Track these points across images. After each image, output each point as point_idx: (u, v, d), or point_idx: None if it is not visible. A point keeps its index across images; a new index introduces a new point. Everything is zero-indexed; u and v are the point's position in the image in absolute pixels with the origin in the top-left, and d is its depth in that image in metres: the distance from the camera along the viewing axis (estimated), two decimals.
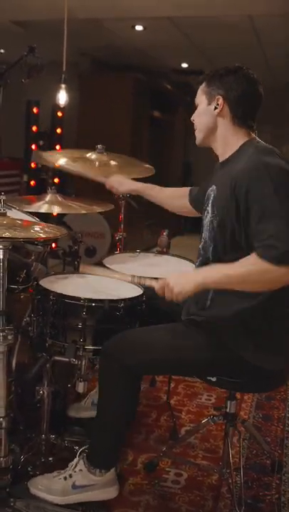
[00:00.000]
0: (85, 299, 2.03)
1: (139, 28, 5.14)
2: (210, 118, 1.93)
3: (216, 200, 1.91)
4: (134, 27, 5.12)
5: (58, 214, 3.34)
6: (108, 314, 2.07)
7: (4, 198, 1.74)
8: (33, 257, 2.20)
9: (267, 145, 1.90)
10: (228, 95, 1.89)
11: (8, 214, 1.89)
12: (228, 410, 2.14)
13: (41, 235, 1.91)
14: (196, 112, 2.00)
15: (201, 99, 1.96)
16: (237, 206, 1.77)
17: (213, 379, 2.00)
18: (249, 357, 1.85)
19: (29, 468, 2.15)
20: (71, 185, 5.50)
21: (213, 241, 1.91)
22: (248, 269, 1.72)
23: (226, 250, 1.86)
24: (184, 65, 6.87)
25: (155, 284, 1.89)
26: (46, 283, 2.20)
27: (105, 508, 2.03)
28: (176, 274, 1.87)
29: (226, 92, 1.89)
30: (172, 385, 2.98)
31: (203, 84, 1.95)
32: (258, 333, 1.86)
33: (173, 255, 2.73)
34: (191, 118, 2.02)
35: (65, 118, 5.89)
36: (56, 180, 5.34)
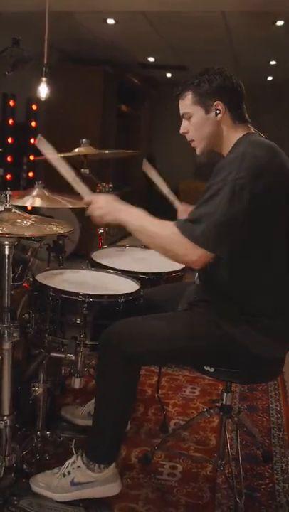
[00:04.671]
0: (84, 295, 2.02)
1: (110, 21, 5.11)
2: (213, 126, 1.90)
3: None
4: (105, 20, 5.09)
5: (34, 208, 3.30)
6: (107, 310, 2.07)
7: (10, 193, 1.71)
8: (29, 253, 2.17)
9: (263, 140, 1.88)
10: (223, 98, 1.88)
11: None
12: (224, 402, 2.18)
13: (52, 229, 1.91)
14: (191, 125, 1.93)
15: (194, 110, 1.91)
16: None
17: (211, 370, 1.99)
18: (248, 344, 1.85)
19: (25, 466, 2.14)
20: (42, 179, 5.41)
21: None
22: (163, 233, 1.80)
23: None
24: (151, 59, 6.87)
25: (86, 194, 1.95)
26: (42, 279, 2.18)
27: (106, 503, 2.03)
28: (108, 199, 1.92)
29: (221, 95, 1.88)
30: (155, 378, 3.01)
31: (191, 95, 1.90)
32: (258, 320, 1.86)
33: None
34: (181, 131, 1.96)
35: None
36: (31, 174, 5.24)
